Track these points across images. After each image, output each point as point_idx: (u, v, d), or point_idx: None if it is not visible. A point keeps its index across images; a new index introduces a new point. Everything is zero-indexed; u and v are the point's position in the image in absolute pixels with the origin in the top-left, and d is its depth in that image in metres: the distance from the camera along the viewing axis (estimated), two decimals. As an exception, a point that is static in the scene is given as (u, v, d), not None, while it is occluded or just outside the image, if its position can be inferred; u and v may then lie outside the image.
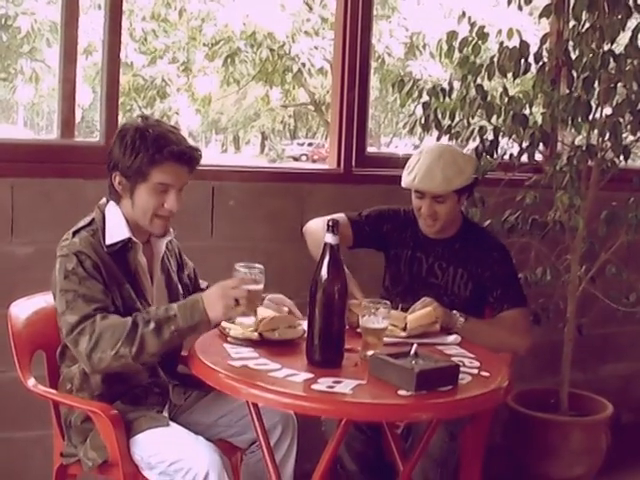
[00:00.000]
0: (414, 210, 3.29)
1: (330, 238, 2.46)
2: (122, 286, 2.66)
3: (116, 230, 2.69)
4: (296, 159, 14.58)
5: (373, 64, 4.17)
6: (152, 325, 2.49)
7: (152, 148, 2.61)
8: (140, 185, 2.65)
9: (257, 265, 2.59)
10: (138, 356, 2.50)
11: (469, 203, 3.71)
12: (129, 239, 2.69)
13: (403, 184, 3.25)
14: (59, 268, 2.60)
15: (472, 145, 3.80)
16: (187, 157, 2.68)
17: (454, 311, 3.03)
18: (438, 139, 3.83)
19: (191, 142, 2.78)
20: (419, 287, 3.25)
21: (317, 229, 3.28)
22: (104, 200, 2.77)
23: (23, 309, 2.89)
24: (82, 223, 2.70)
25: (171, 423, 2.69)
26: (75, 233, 2.66)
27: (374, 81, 3.89)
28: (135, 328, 2.49)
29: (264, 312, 2.74)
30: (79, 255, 2.59)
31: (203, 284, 3.04)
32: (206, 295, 2.54)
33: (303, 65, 10.14)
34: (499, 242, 3.38)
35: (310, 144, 15.69)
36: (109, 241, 2.66)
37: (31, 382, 2.77)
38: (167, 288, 2.86)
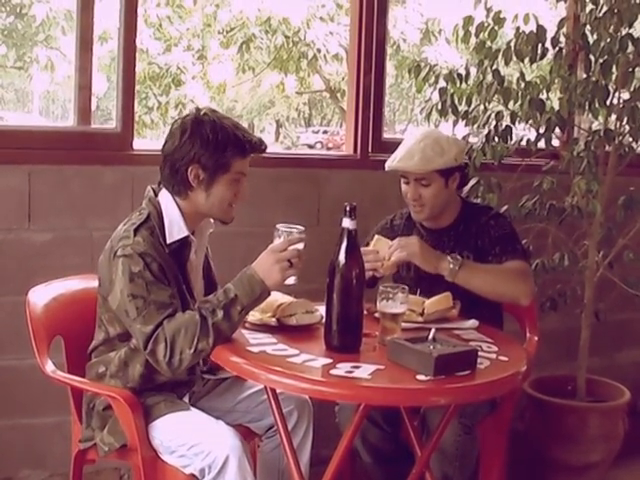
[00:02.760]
0: (404, 198, 3.20)
1: (348, 223, 2.45)
2: (179, 287, 2.66)
3: (175, 228, 2.67)
4: (311, 147, 14.54)
5: (388, 50, 4.16)
6: (220, 313, 2.48)
7: (238, 140, 2.65)
8: (221, 176, 2.65)
9: (297, 226, 2.61)
10: (215, 345, 2.49)
11: (486, 188, 3.71)
12: (187, 237, 2.69)
13: (386, 167, 3.19)
14: (122, 269, 2.55)
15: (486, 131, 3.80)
16: (264, 147, 2.74)
17: (450, 256, 2.96)
18: (455, 124, 3.82)
19: None
20: (428, 282, 3.09)
21: None
22: (151, 192, 2.74)
23: (41, 295, 2.89)
24: (138, 219, 2.64)
25: (191, 408, 2.70)
26: (136, 231, 2.60)
27: (389, 67, 3.91)
28: (205, 321, 2.47)
29: (282, 298, 2.74)
30: (145, 257, 2.55)
31: None
32: (258, 265, 2.54)
33: (318, 51, 10.11)
34: (496, 212, 3.30)
35: (325, 132, 15.66)
36: (169, 240, 2.65)
37: (50, 368, 2.77)
38: (206, 278, 2.89)
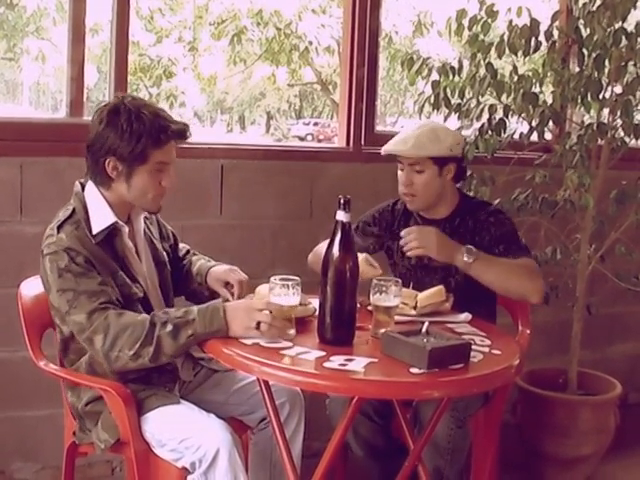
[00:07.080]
0: (399, 187, 3.24)
1: (342, 215, 2.44)
2: (115, 274, 2.62)
3: (101, 217, 2.63)
4: (302, 139, 14.50)
5: (380, 42, 4.18)
6: (169, 327, 2.45)
7: (154, 130, 2.58)
8: (139, 168, 2.60)
9: (293, 277, 2.51)
10: (156, 358, 2.47)
11: (479, 182, 3.71)
12: (114, 224, 2.65)
13: (381, 151, 3.25)
14: (50, 267, 2.54)
15: (478, 124, 3.79)
16: (187, 134, 2.68)
17: (468, 246, 2.98)
18: (447, 118, 3.81)
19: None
20: (422, 272, 3.21)
21: (316, 252, 3.19)
22: (78, 187, 2.71)
23: (33, 288, 2.88)
24: (63, 216, 2.63)
25: (182, 401, 2.70)
26: (59, 228, 2.58)
27: (381, 60, 3.87)
28: (153, 328, 2.45)
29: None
30: (69, 252, 2.53)
31: (182, 250, 3.06)
32: (230, 306, 2.48)
33: (310, 43, 10.08)
34: (495, 208, 3.31)
35: (316, 123, 15.63)
36: (95, 230, 2.61)
37: (42, 361, 2.77)
38: (154, 260, 2.85)
